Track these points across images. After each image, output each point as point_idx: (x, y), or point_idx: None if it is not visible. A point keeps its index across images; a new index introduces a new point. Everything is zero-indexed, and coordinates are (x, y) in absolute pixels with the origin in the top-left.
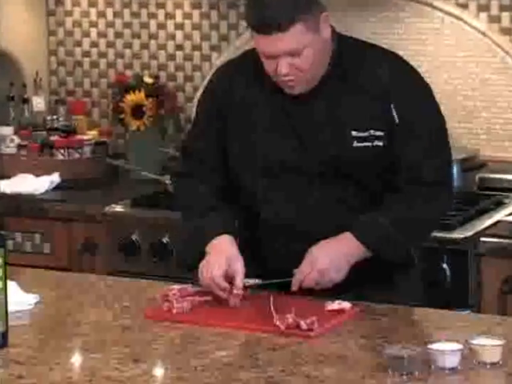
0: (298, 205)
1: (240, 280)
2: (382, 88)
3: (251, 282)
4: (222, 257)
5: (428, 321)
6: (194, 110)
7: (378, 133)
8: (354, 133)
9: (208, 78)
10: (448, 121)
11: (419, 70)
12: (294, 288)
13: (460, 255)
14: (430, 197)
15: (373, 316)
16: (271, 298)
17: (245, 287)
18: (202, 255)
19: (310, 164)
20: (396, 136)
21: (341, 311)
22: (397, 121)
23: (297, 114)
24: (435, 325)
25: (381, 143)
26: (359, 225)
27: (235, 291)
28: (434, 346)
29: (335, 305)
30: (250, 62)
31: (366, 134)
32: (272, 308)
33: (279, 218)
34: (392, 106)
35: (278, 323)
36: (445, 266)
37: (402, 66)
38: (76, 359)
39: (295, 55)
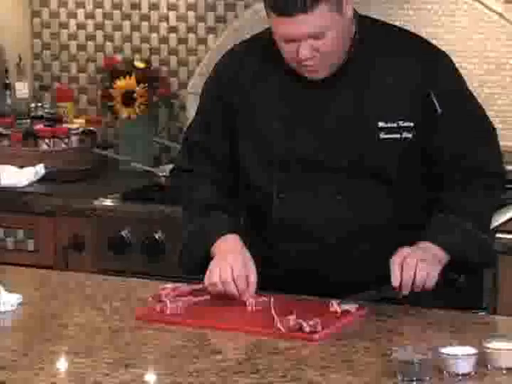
0: (315, 204)
1: (255, 280)
2: (414, 75)
3: (363, 294)
4: (238, 256)
5: (440, 323)
6: (195, 95)
7: (408, 123)
8: (380, 124)
9: (203, 62)
10: None
11: None
12: (405, 291)
13: None
14: (490, 187)
15: (381, 318)
16: (272, 299)
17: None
18: (205, 257)
19: (332, 159)
20: (437, 127)
21: (346, 312)
22: (439, 110)
23: (317, 103)
24: (447, 327)
25: (410, 135)
26: (432, 230)
27: (249, 294)
28: (446, 350)
29: (340, 306)
30: (261, 45)
31: (394, 124)
32: (273, 309)
33: (295, 218)
34: (432, 94)
35: (279, 325)
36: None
37: (433, 51)
38: (62, 364)
39: (318, 37)
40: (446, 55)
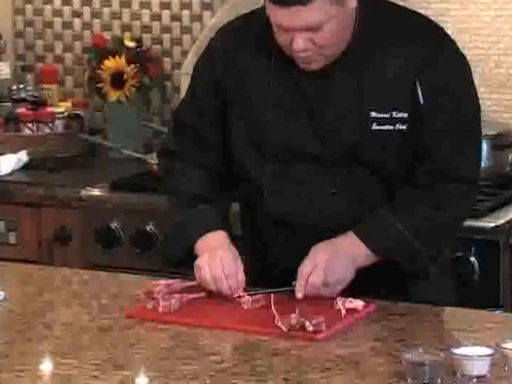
0: (309, 197)
1: (243, 278)
2: (409, 63)
3: (250, 292)
4: (227, 253)
5: (453, 321)
6: (189, 77)
7: (401, 114)
8: (373, 114)
9: (199, 40)
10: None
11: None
12: (299, 295)
13: (490, 246)
14: (457, 196)
15: (389, 316)
16: (272, 296)
17: (236, 297)
18: (188, 252)
19: (326, 150)
20: (420, 120)
21: (352, 310)
22: (421, 101)
23: (312, 91)
24: (461, 326)
25: (404, 127)
26: (364, 224)
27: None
28: (460, 351)
29: (346, 303)
30: (258, 24)
31: (386, 115)
32: (273, 307)
33: (287, 211)
34: (417, 83)
35: (279, 324)
36: (472, 258)
37: (437, 37)
38: (47, 365)
39: (315, 30)
40: (451, 45)
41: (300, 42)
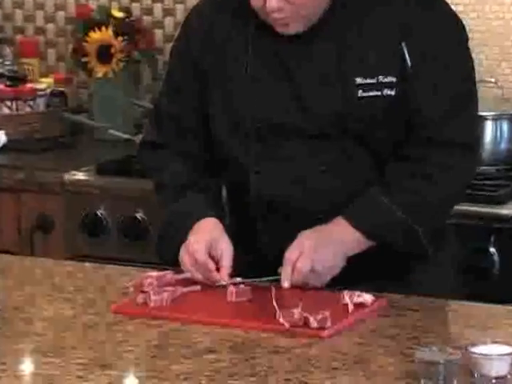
0: (297, 177)
1: (227, 264)
2: (394, 24)
3: (231, 281)
4: (206, 234)
5: (470, 318)
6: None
7: (389, 79)
8: (358, 80)
9: None
10: (496, 67)
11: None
12: (286, 284)
13: (511, 236)
14: (449, 164)
15: (401, 311)
16: (273, 289)
17: (218, 285)
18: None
19: (311, 123)
20: (409, 84)
21: (360, 305)
22: (409, 64)
23: (293, 60)
24: (479, 323)
25: (392, 92)
26: (352, 206)
27: (222, 277)
28: (478, 350)
29: (353, 297)
30: None
31: (373, 80)
32: (274, 301)
33: (274, 193)
34: (403, 44)
35: (281, 320)
36: (492, 249)
37: None
38: (27, 365)
39: None
40: (441, 4)
41: (273, 1)
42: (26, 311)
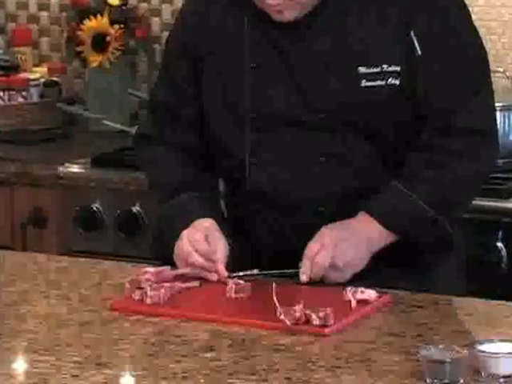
0: (295, 168)
1: (221, 258)
2: (399, 9)
3: (247, 272)
4: (201, 229)
5: (477, 315)
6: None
7: (393, 68)
8: (361, 69)
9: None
10: (504, 56)
11: None
12: (304, 277)
13: None
14: (466, 151)
15: (406, 308)
16: (274, 285)
17: (231, 277)
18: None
19: (311, 114)
20: (418, 72)
21: (364, 301)
22: (419, 52)
23: (291, 49)
24: (486, 320)
25: (397, 81)
26: (374, 200)
27: (221, 275)
28: (485, 348)
29: (357, 293)
30: None
31: (377, 69)
32: (275, 298)
33: (271, 184)
34: (412, 32)
35: (282, 317)
36: (499, 244)
37: None
38: (20, 364)
39: None
40: None
41: None
42: (18, 308)
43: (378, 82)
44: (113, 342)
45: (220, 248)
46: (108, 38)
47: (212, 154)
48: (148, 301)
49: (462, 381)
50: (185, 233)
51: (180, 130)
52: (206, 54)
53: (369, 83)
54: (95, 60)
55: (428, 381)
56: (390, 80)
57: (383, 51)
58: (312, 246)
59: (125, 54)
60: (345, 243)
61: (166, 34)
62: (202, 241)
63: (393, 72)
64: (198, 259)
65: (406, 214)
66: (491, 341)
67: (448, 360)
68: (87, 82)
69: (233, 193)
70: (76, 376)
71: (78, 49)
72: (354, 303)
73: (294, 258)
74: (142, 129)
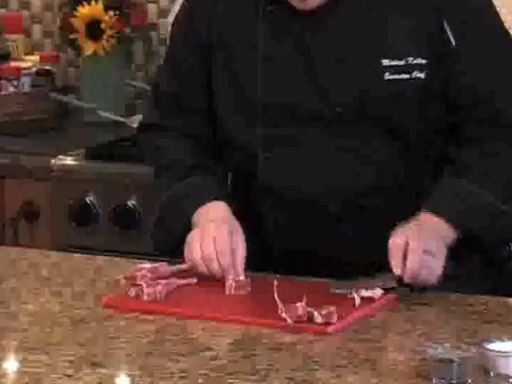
0: (308, 163)
1: (242, 255)
2: (427, 1)
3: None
4: (223, 226)
5: (486, 312)
6: (169, 33)
7: (419, 61)
8: (385, 61)
9: None
10: None
11: None
12: (399, 272)
13: None
14: None
15: (412, 306)
16: (275, 282)
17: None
18: (184, 233)
19: (327, 107)
20: (453, 64)
21: (368, 299)
22: (453, 43)
23: (310, 38)
24: (495, 318)
25: (422, 75)
26: (433, 197)
27: (233, 276)
28: (494, 347)
29: (361, 291)
30: None
31: (401, 62)
32: (276, 295)
33: (283, 179)
34: (445, 23)
35: (284, 315)
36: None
37: None
38: (12, 363)
39: None
40: None
41: None
42: (9, 305)
43: (403, 76)
44: (108, 340)
45: (241, 249)
46: (103, 25)
47: (220, 145)
48: (144, 298)
49: (469, 381)
50: (209, 228)
51: (188, 120)
52: (216, 43)
53: (392, 76)
54: (89, 48)
55: (434, 381)
56: (414, 73)
57: (408, 43)
58: (396, 240)
59: (120, 42)
60: (427, 234)
61: (163, 20)
62: (227, 244)
63: (418, 65)
64: (218, 271)
65: (471, 208)
66: (501, 339)
67: (455, 359)
68: (81, 70)
69: (241, 188)
70: (69, 376)
71: (72, 36)
72: (357, 301)
73: (302, 257)
74: (146, 118)
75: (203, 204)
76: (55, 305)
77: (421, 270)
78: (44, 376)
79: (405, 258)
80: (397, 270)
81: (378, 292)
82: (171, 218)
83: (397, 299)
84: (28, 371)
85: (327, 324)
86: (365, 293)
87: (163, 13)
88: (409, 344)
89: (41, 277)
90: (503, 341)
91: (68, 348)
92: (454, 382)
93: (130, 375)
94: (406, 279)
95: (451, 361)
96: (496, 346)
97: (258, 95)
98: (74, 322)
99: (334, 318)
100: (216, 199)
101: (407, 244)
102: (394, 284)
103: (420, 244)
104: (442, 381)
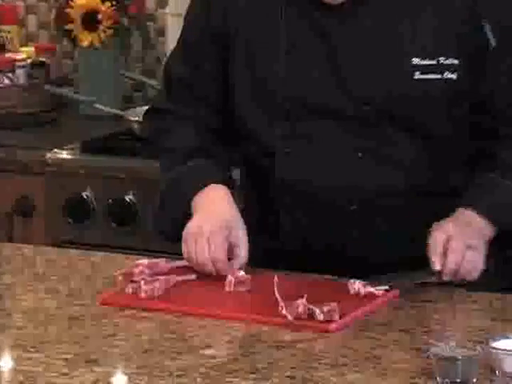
0: (329, 162)
1: (243, 254)
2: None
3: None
4: (220, 220)
5: (491, 309)
6: (177, 18)
7: (451, 61)
8: (415, 60)
9: None
10: None
11: None
12: (438, 267)
13: None
14: None
15: (415, 303)
16: (276, 279)
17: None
18: (184, 217)
19: (352, 104)
20: (490, 65)
21: (371, 296)
22: (493, 44)
23: (336, 32)
24: (501, 315)
25: (454, 76)
26: (473, 195)
27: (232, 274)
28: (499, 345)
29: (363, 287)
30: None
31: (433, 62)
32: (277, 291)
33: (301, 175)
34: (485, 24)
35: (284, 312)
36: None
37: None
38: (7, 361)
39: None
40: None
41: None
42: (4, 302)
43: (433, 76)
44: (104, 338)
45: (243, 244)
46: (99, 16)
47: (234, 138)
48: (142, 294)
49: (474, 380)
50: (205, 228)
51: (200, 109)
52: (234, 33)
53: (423, 76)
54: (86, 39)
55: (439, 380)
56: (446, 73)
57: (441, 42)
58: (438, 235)
59: (117, 33)
60: (468, 229)
61: (161, 11)
62: (222, 250)
63: (450, 65)
64: (212, 269)
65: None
66: (507, 337)
67: (460, 358)
68: (77, 62)
69: (253, 182)
70: (65, 374)
71: (68, 27)
72: (360, 298)
73: (318, 256)
74: (156, 103)
75: (204, 187)
76: (51, 302)
77: (465, 264)
78: (39, 374)
79: (445, 254)
80: (436, 267)
81: (382, 288)
82: (171, 201)
83: (400, 296)
84: (23, 369)
85: (329, 321)
86: (367, 289)
87: (161, 4)
88: (412, 342)
89: (36, 273)
90: (509, 339)
91: (64, 346)
92: (459, 380)
93: (127, 373)
94: (445, 277)
95: (456, 359)
96: (502, 344)
97: (278, 88)
98: (69, 320)
99: (336, 316)
100: (216, 182)
101: (448, 241)
102: (433, 279)
103: (460, 243)
104: (447, 380)
